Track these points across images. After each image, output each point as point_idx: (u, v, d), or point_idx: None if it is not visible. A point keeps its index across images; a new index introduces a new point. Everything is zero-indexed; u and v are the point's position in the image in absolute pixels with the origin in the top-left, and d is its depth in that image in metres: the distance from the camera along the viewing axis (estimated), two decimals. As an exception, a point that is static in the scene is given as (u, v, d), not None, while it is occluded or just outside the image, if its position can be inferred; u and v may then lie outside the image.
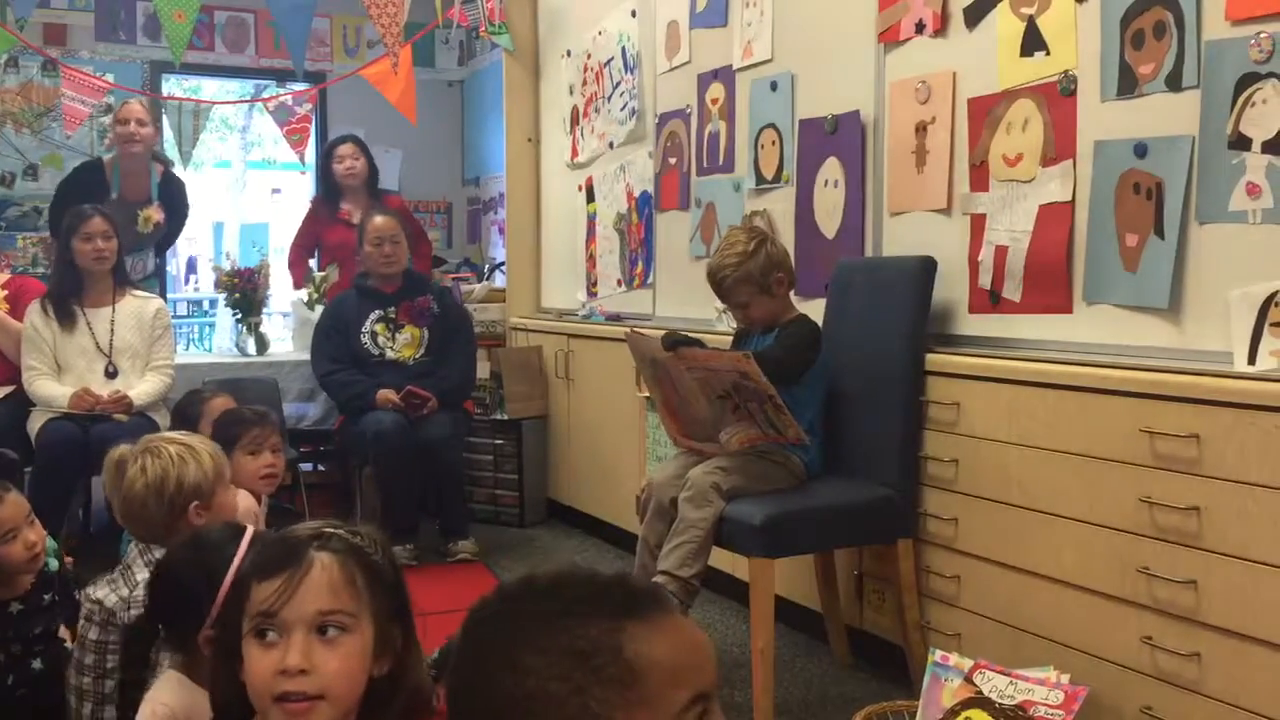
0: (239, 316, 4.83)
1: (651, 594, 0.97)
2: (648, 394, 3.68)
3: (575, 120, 4.68)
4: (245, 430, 2.84)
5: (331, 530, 1.36)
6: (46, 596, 2.37)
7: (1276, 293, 2.05)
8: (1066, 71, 2.48)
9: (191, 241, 11.08)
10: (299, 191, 8.04)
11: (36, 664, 2.29)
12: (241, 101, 7.95)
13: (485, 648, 0.94)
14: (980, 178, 2.71)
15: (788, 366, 2.75)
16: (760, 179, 3.49)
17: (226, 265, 4.96)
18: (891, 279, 2.82)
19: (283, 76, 6.34)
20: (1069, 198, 2.48)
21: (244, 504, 2.70)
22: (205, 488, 2.10)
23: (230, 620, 1.33)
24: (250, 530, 1.80)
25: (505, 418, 4.63)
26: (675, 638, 0.93)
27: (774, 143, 3.42)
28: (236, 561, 1.69)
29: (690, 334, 2.91)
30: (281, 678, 1.26)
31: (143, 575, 2.02)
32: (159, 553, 1.99)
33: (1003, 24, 2.63)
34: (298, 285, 5.10)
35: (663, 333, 2.87)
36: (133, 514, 2.11)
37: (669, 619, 0.94)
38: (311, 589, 1.28)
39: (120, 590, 2.05)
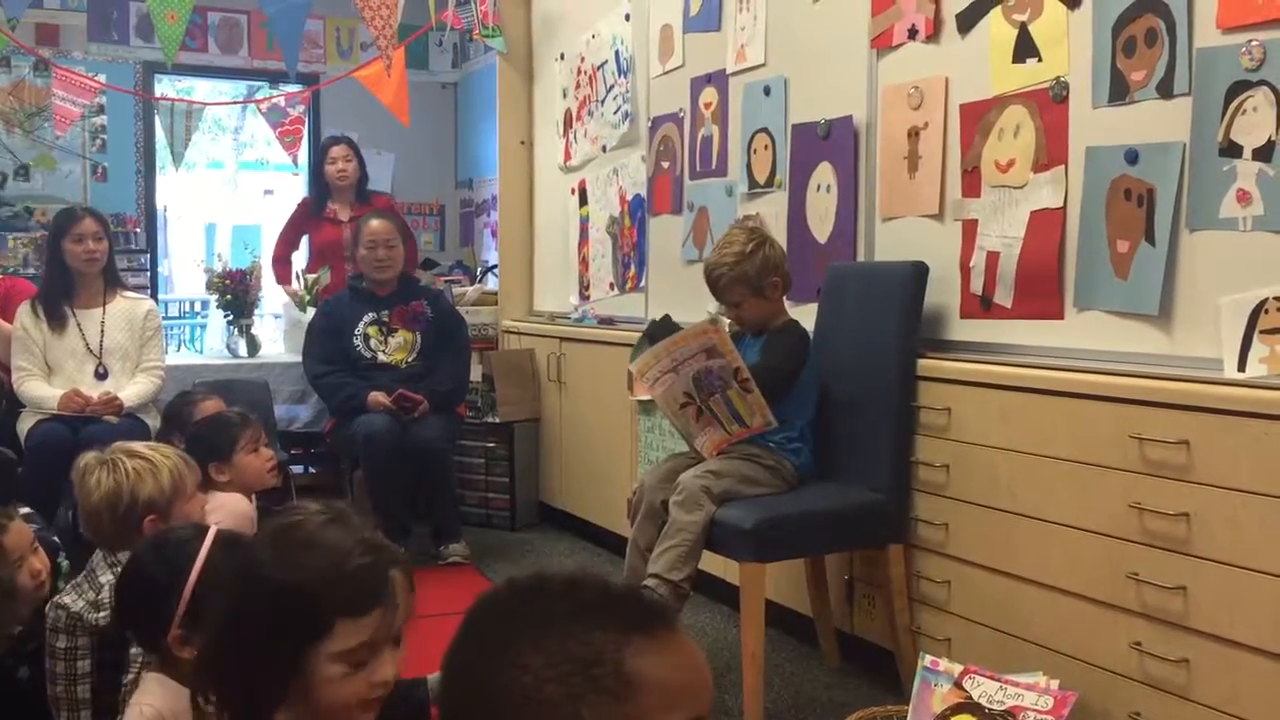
0: (230, 318, 4.82)
1: (661, 611, 0.96)
2: (639, 398, 3.68)
3: (568, 123, 4.68)
4: (240, 432, 2.84)
5: (384, 545, 1.42)
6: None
7: (1266, 300, 2.05)
8: (1058, 78, 2.48)
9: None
10: (291, 193, 8.02)
11: (23, 671, 2.28)
12: (234, 103, 7.92)
13: (488, 638, 0.94)
14: (972, 183, 2.71)
15: (774, 386, 2.74)
16: (753, 183, 3.49)
17: (218, 266, 4.95)
18: (883, 284, 2.83)
19: (276, 78, 6.33)
20: (1060, 204, 2.48)
21: (240, 507, 2.70)
22: (160, 503, 2.10)
23: (278, 653, 1.32)
24: (214, 529, 1.80)
25: (497, 420, 4.63)
26: (677, 659, 0.92)
27: (767, 147, 3.42)
28: (200, 560, 1.70)
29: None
30: (376, 688, 1.35)
31: (107, 578, 2.03)
32: (123, 557, 1.99)
33: (995, 30, 2.64)
34: (280, 281, 5.10)
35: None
36: (89, 524, 2.12)
37: (675, 639, 0.94)
38: (399, 612, 1.38)
39: (86, 595, 2.05)
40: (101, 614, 2.01)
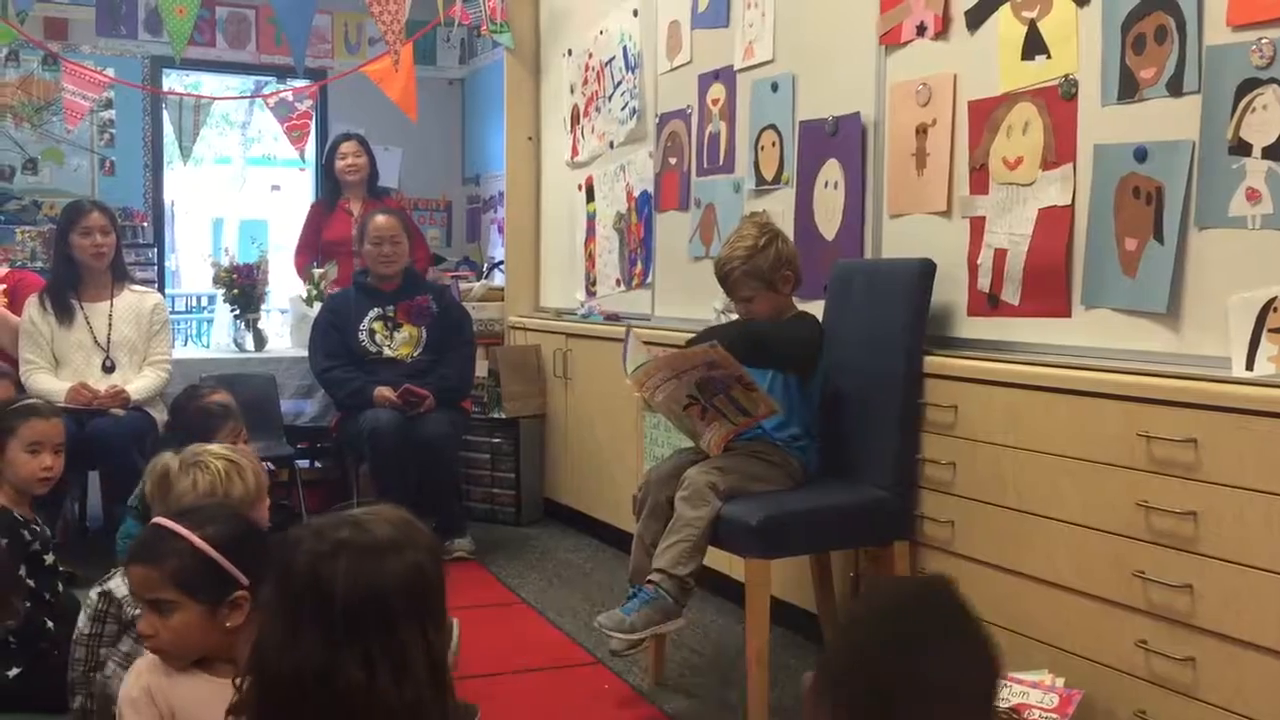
0: (237, 313, 4.83)
1: None
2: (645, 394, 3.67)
3: (575, 119, 4.68)
4: (221, 424, 2.85)
5: None
6: (49, 558, 2.51)
7: (1275, 298, 2.05)
8: (1067, 75, 2.48)
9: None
10: (299, 188, 8.04)
11: (49, 625, 2.32)
12: (242, 97, 7.94)
13: (903, 634, 1.04)
14: (980, 181, 2.71)
15: (772, 343, 2.72)
16: (760, 180, 3.48)
17: (225, 261, 4.95)
18: (890, 281, 2.82)
19: (283, 73, 6.35)
20: (1069, 201, 2.48)
21: None
22: (247, 504, 2.12)
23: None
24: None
25: (503, 416, 4.63)
26: None
27: (774, 144, 3.42)
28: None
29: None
30: None
31: None
32: None
33: (1004, 27, 2.63)
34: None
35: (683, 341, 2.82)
36: None
37: None
38: None
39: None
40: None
